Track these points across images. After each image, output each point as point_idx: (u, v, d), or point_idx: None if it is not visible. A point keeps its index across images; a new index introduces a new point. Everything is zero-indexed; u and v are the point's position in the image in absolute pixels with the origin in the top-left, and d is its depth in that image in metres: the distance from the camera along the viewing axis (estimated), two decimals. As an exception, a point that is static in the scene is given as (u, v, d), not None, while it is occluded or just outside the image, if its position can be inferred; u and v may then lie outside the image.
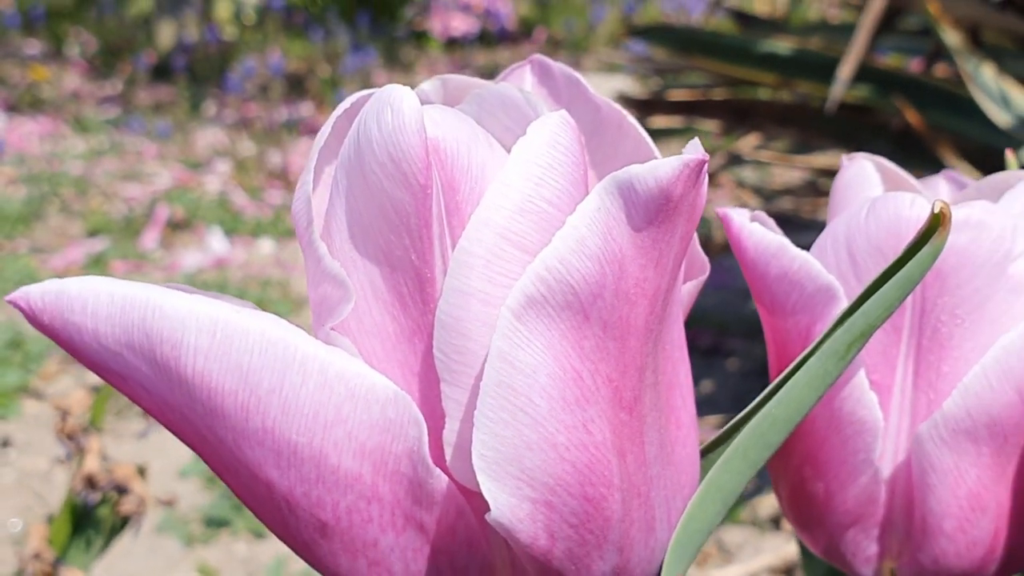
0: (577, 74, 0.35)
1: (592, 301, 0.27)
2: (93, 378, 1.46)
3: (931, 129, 1.29)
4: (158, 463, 1.39)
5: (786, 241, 0.33)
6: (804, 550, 0.43)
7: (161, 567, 1.20)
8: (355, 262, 0.29)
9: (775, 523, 1.25)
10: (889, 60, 1.75)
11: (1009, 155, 0.38)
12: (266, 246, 2.40)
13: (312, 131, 3.42)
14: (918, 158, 1.32)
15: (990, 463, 0.32)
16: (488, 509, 0.28)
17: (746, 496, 1.31)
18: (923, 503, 0.33)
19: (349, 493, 0.29)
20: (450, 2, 4.97)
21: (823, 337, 0.30)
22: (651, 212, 0.27)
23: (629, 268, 0.28)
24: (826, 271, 0.32)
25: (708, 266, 0.33)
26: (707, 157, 0.28)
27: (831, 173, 1.27)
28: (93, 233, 2.41)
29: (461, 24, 4.93)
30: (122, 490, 0.63)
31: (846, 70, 1.15)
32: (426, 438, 0.28)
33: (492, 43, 5.05)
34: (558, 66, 0.35)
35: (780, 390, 0.31)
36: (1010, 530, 0.33)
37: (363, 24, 4.64)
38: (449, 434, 0.28)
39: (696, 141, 0.29)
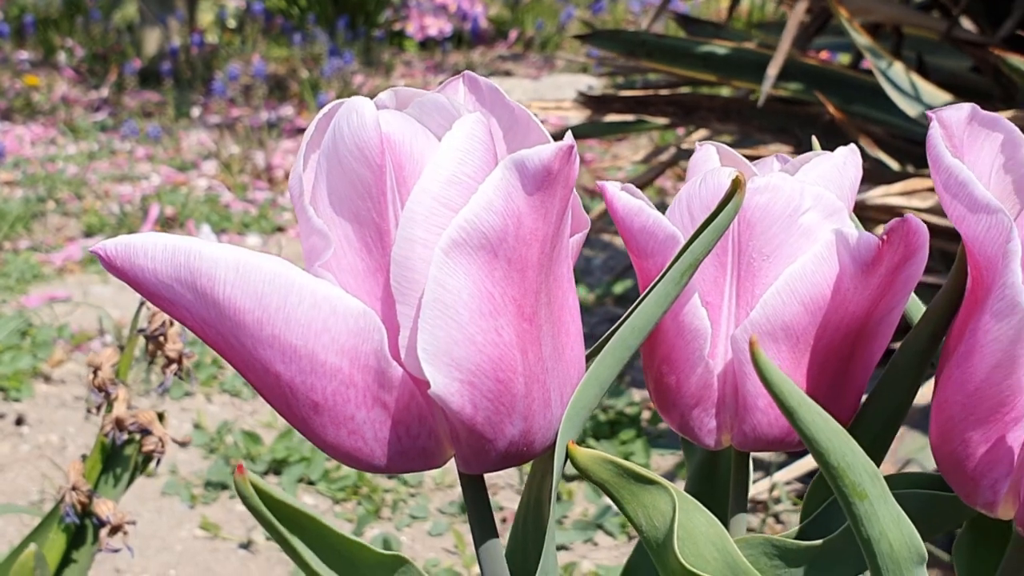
0: (496, 84, 0.47)
1: (499, 243, 0.40)
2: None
3: (852, 119, 1.42)
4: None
5: (644, 203, 0.45)
6: (685, 442, 0.55)
7: (169, 525, 1.32)
8: (334, 220, 0.41)
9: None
10: (822, 56, 1.88)
11: (815, 141, 0.51)
12: (252, 240, 2.52)
13: (293, 132, 3.54)
14: (844, 145, 1.44)
15: (788, 357, 0.45)
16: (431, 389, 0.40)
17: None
18: (743, 387, 0.45)
19: (334, 380, 0.41)
20: (425, 4, 5.09)
21: (666, 270, 0.43)
22: (538, 181, 0.40)
23: (525, 220, 0.40)
24: (672, 224, 0.45)
25: (589, 222, 0.46)
26: (574, 143, 0.40)
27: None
28: (89, 231, 2.53)
29: (436, 25, 5.05)
30: (145, 432, 0.76)
31: (773, 69, 1.28)
32: (386, 341, 0.40)
33: (467, 43, 5.17)
34: (483, 79, 0.47)
35: (638, 308, 0.44)
36: (809, 407, 0.46)
37: (341, 28, 4.75)
38: (403, 338, 0.41)
39: (570, 133, 0.41)
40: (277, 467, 1.45)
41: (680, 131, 1.97)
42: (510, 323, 0.41)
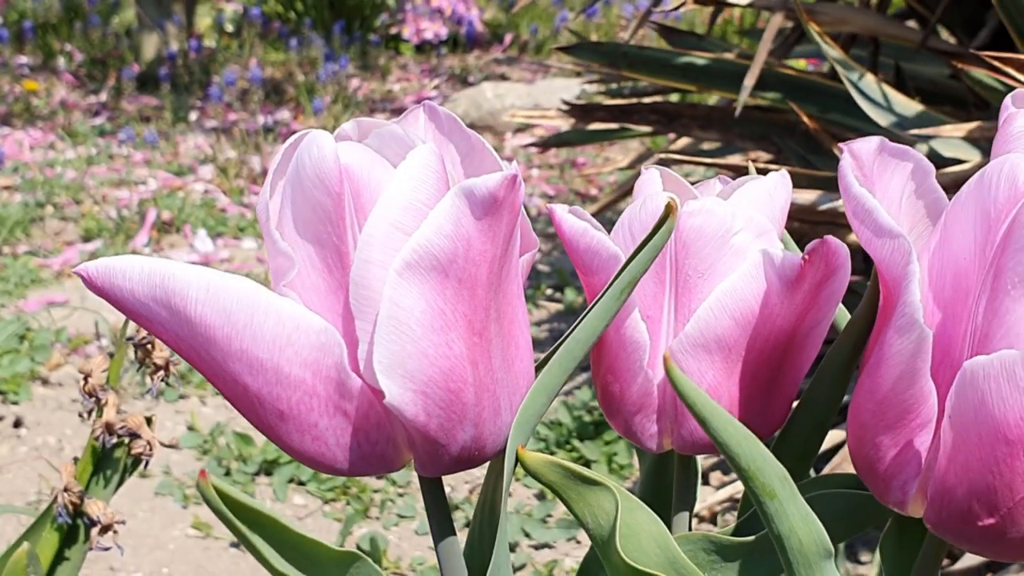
0: (453, 115, 0.51)
1: (449, 264, 0.43)
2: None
3: (828, 127, 1.46)
4: (156, 437, 1.55)
5: (589, 225, 0.49)
6: (638, 449, 0.59)
7: (162, 524, 1.36)
8: (298, 243, 0.45)
9: (704, 477, 1.42)
10: (810, 63, 1.91)
11: (750, 164, 0.55)
12: (248, 244, 2.56)
13: (289, 136, 3.56)
14: (821, 153, 1.48)
15: (721, 367, 0.49)
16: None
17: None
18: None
19: (298, 391, 0.44)
20: (421, 7, 5.12)
21: (608, 286, 0.47)
22: (485, 207, 0.43)
23: (474, 243, 0.43)
24: (614, 244, 0.49)
25: (538, 242, 0.50)
26: (518, 172, 0.44)
27: (740, 170, 1.43)
28: (87, 236, 2.56)
29: (431, 29, 5.09)
30: (134, 435, 0.79)
31: (749, 79, 1.31)
32: (346, 354, 0.44)
33: (462, 47, 5.21)
34: (442, 109, 0.50)
35: (582, 321, 0.47)
36: (740, 413, 0.49)
37: (337, 32, 4.79)
38: (361, 352, 0.44)
39: (515, 163, 0.45)
40: (268, 468, 1.49)
41: (671, 136, 2.01)
42: (461, 337, 0.44)
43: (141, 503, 1.40)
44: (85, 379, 0.79)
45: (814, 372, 0.51)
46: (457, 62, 5.01)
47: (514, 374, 0.48)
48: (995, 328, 0.41)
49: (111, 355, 0.80)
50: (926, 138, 1.33)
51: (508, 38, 5.30)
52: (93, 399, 0.79)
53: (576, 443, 1.54)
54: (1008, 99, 0.45)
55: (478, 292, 0.44)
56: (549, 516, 1.39)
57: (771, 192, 0.50)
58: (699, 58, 1.47)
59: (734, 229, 0.48)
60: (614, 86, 2.12)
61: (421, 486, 0.50)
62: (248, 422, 0.46)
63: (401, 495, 1.46)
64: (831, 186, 1.36)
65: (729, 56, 1.61)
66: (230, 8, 5.50)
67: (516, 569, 1.29)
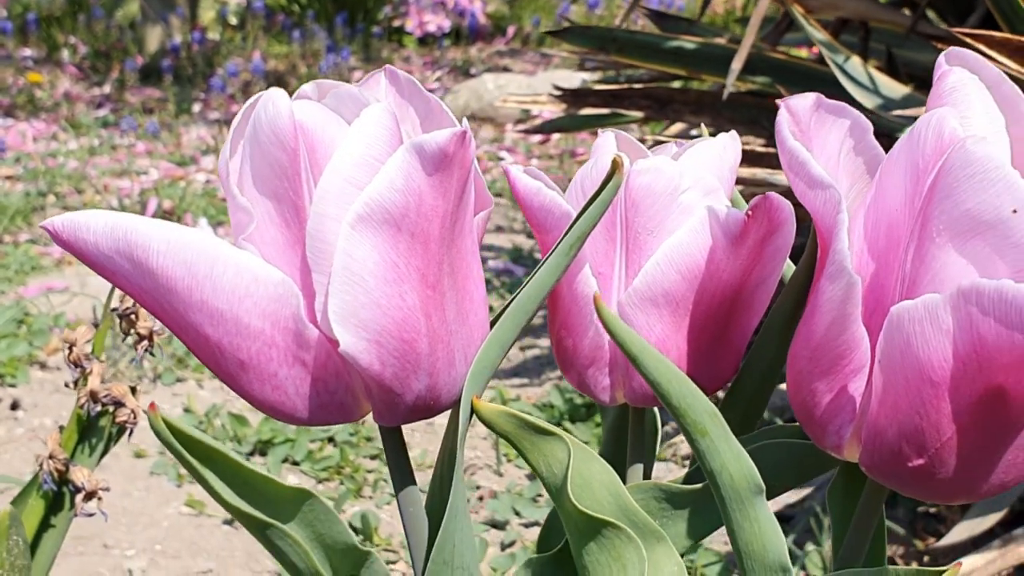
0: (413, 78, 0.53)
1: (402, 218, 0.45)
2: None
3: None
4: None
5: (542, 184, 0.51)
6: (602, 408, 0.60)
7: (156, 502, 1.38)
8: (257, 199, 0.46)
9: (692, 460, 1.43)
10: (803, 54, 1.92)
11: (703, 128, 0.56)
12: (249, 234, 2.57)
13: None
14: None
15: (669, 320, 0.50)
16: (344, 348, 0.45)
17: (669, 436, 1.49)
18: (630, 349, 0.51)
19: (257, 341, 0.46)
20: (424, 0, 5.14)
21: (558, 242, 0.48)
22: (436, 162, 0.44)
23: (426, 198, 0.45)
24: (566, 203, 0.50)
25: (492, 201, 0.51)
26: (467, 129, 0.45)
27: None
28: (88, 225, 2.58)
29: (434, 21, 5.10)
30: (118, 404, 0.81)
31: (737, 63, 1.32)
32: (303, 305, 0.45)
33: (465, 39, 5.22)
34: (402, 73, 0.52)
35: (533, 276, 0.49)
36: (689, 365, 0.51)
37: (339, 24, 4.80)
38: (318, 304, 0.46)
39: (465, 121, 0.47)
40: (263, 448, 1.51)
41: (667, 122, 2.02)
42: (414, 289, 0.46)
43: (136, 482, 1.42)
44: (70, 348, 0.80)
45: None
46: (460, 54, 5.02)
47: (469, 326, 0.49)
48: (922, 275, 0.42)
49: (96, 325, 0.82)
50: (913, 119, 1.34)
51: (511, 30, 5.31)
52: (78, 368, 0.81)
53: (568, 425, 1.56)
54: (942, 57, 0.46)
55: (431, 246, 0.46)
56: (539, 495, 1.40)
57: (720, 153, 0.52)
58: (689, 42, 1.49)
59: (682, 187, 0.50)
60: (612, 73, 2.13)
61: (382, 436, 0.51)
62: (212, 372, 0.48)
63: (394, 475, 1.47)
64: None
65: (720, 41, 1.62)
66: (234, 1, 5.52)
67: (506, 546, 1.30)
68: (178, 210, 2.63)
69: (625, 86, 1.61)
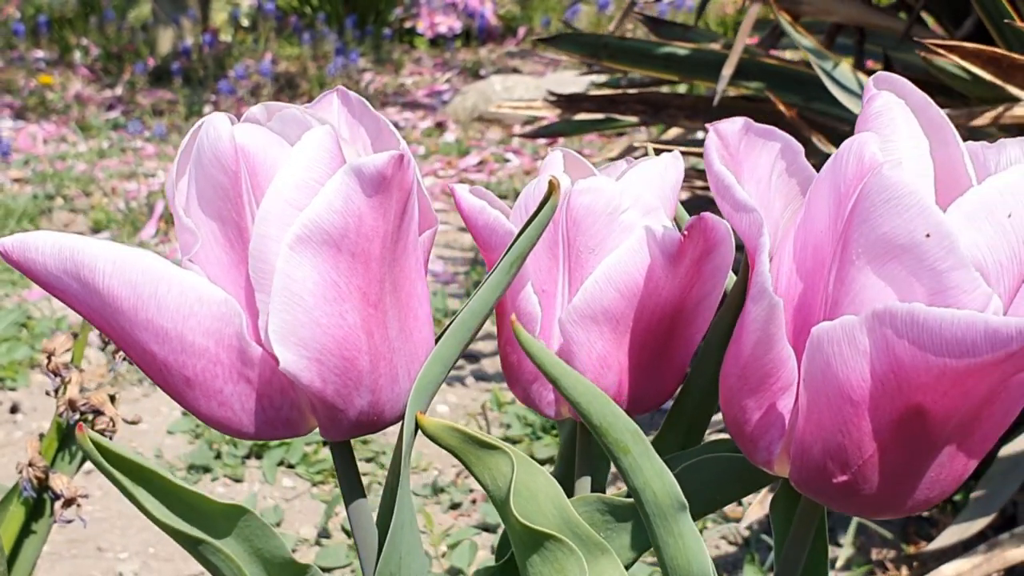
0: (364, 100, 0.54)
1: (341, 239, 0.46)
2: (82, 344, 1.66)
3: (813, 116, 1.48)
4: (151, 422, 1.59)
5: (486, 204, 0.52)
6: (559, 421, 0.61)
7: (148, 506, 1.40)
8: (202, 219, 0.47)
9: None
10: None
11: (649, 147, 0.57)
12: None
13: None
14: (803, 142, 1.50)
15: (610, 338, 0.51)
16: (288, 366, 0.46)
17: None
18: (572, 363, 0.51)
19: (202, 359, 0.47)
20: (436, 1, 5.15)
21: (499, 261, 0.49)
22: (375, 184, 0.45)
23: (365, 219, 0.46)
24: (508, 222, 0.51)
25: (437, 220, 0.52)
26: (405, 152, 0.46)
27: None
28: (96, 227, 2.60)
29: (446, 23, 5.11)
30: (97, 412, 0.82)
31: (727, 69, 1.33)
32: (246, 323, 0.46)
33: (476, 41, 5.23)
34: (353, 94, 0.53)
35: (475, 294, 0.50)
36: (630, 382, 0.52)
37: (349, 26, 4.82)
38: (261, 322, 0.47)
39: (403, 143, 0.48)
40: (258, 451, 1.52)
41: (665, 126, 2.03)
42: (355, 308, 0.47)
43: (132, 485, 1.44)
44: (48, 358, 0.82)
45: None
46: (470, 56, 5.03)
47: (413, 343, 0.50)
48: (843, 296, 0.43)
49: (75, 335, 0.83)
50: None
51: (522, 31, 5.32)
52: (57, 377, 0.82)
53: (549, 438, 1.57)
54: (870, 81, 0.47)
55: (372, 266, 0.47)
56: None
57: (662, 172, 0.53)
58: (681, 48, 1.50)
59: (622, 207, 0.51)
60: (617, 76, 2.14)
61: (331, 451, 0.52)
62: (161, 389, 0.49)
63: (388, 478, 1.49)
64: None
65: (715, 46, 1.63)
66: (245, 3, 5.54)
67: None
68: (185, 213, 2.64)
69: (620, 91, 1.62)
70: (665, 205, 0.52)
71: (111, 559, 1.29)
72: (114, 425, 0.83)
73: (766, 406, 0.46)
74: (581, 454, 0.57)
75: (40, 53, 4.98)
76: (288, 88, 4.18)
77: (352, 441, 1.52)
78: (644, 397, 0.53)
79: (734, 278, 0.55)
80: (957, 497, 1.45)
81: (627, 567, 0.54)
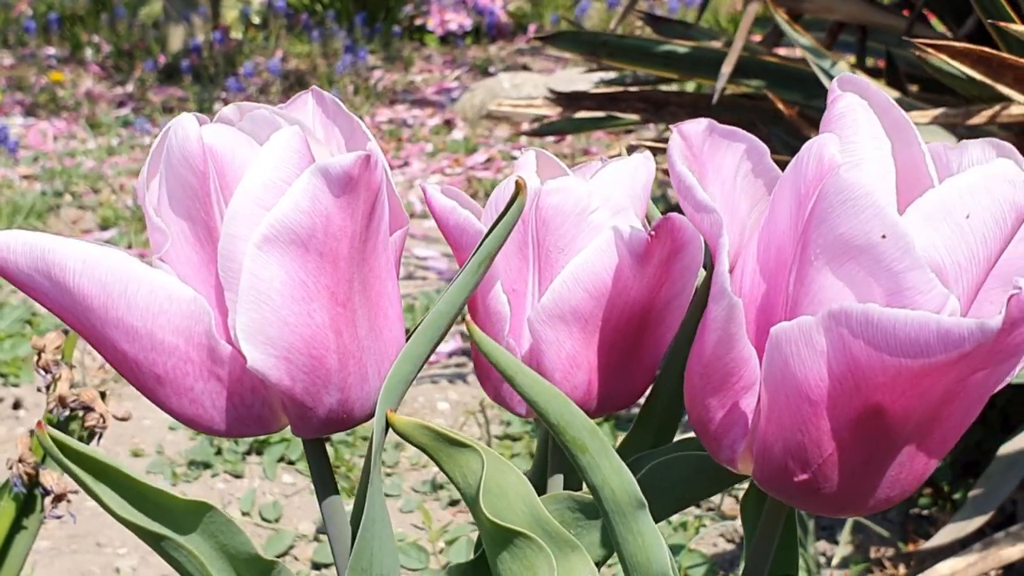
0: (338, 100, 0.54)
1: (309, 239, 0.46)
2: (84, 343, 1.67)
3: (812, 115, 1.48)
4: (152, 418, 1.60)
5: (457, 205, 0.52)
6: (536, 420, 0.62)
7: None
8: (173, 219, 0.48)
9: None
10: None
11: (621, 146, 0.58)
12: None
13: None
14: (803, 139, 1.50)
15: (579, 337, 0.51)
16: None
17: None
18: (542, 363, 0.52)
19: (173, 357, 0.48)
20: (446, -1, 5.17)
21: (468, 260, 0.50)
22: (341, 184, 0.46)
23: (333, 219, 0.46)
24: (478, 222, 0.52)
25: (408, 220, 0.53)
26: (371, 152, 0.47)
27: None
28: (104, 224, 2.61)
29: (456, 20, 5.12)
30: (87, 408, 0.83)
31: (727, 67, 1.33)
32: (215, 322, 0.47)
33: (486, 38, 5.24)
34: (328, 95, 0.54)
35: (444, 295, 0.50)
36: (600, 381, 0.53)
37: (359, 24, 4.83)
38: (231, 320, 0.47)
39: (371, 144, 0.48)
40: (259, 448, 1.53)
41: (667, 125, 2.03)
42: (324, 307, 0.47)
43: (132, 481, 1.45)
44: (39, 354, 0.82)
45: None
46: (480, 53, 5.03)
47: (383, 342, 0.51)
48: (802, 296, 0.44)
49: (66, 332, 0.84)
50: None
51: (532, 28, 5.32)
52: (48, 374, 0.83)
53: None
54: (834, 82, 0.47)
55: (340, 265, 0.47)
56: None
57: (632, 172, 0.53)
58: (680, 46, 1.50)
59: (591, 207, 0.51)
60: (625, 73, 2.14)
61: (304, 447, 0.53)
62: (133, 386, 0.49)
63: (389, 475, 1.49)
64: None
65: (716, 44, 1.63)
66: (256, 0, 5.56)
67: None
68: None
69: (620, 89, 1.62)
70: (635, 205, 0.53)
71: (110, 554, 1.29)
72: (104, 421, 0.84)
73: (729, 405, 0.46)
74: (553, 452, 0.57)
75: (51, 50, 5.00)
76: (298, 85, 4.19)
77: (353, 439, 1.52)
78: (614, 396, 0.53)
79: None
80: (956, 495, 1.45)
81: (598, 564, 0.54)
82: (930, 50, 0.92)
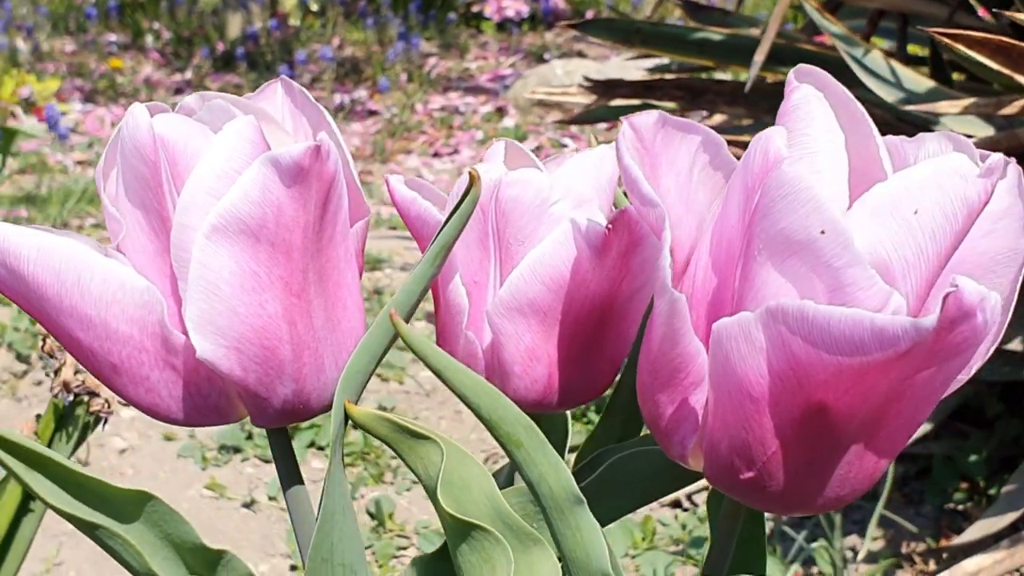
0: (305, 91, 0.54)
1: (259, 229, 0.46)
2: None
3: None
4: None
5: (418, 195, 0.52)
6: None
7: (180, 485, 1.42)
8: (128, 209, 0.48)
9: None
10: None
11: (591, 137, 0.57)
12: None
13: (364, 114, 3.64)
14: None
15: (538, 330, 0.51)
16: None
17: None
18: (501, 356, 0.51)
19: (127, 346, 0.48)
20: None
21: (426, 251, 0.49)
22: (292, 175, 0.45)
23: (285, 209, 0.46)
24: (439, 213, 0.51)
25: (369, 210, 0.52)
26: (322, 143, 0.46)
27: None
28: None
29: (513, 6, 5.11)
30: (92, 394, 0.84)
31: (759, 55, 1.32)
32: (166, 311, 0.47)
33: (543, 24, 5.21)
34: (296, 85, 0.53)
35: (402, 286, 0.50)
36: (561, 374, 0.52)
37: (413, 11, 4.83)
38: (184, 310, 0.48)
39: (323, 135, 0.48)
40: (290, 433, 1.54)
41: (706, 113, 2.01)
42: (276, 298, 0.47)
43: (164, 464, 1.46)
44: (44, 340, 0.83)
45: (640, 336, 0.54)
46: (537, 40, 5.02)
47: (340, 333, 0.51)
48: (746, 291, 0.43)
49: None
50: (936, 115, 1.33)
51: (590, 14, 5.29)
52: (52, 359, 0.84)
53: (592, 415, 1.56)
54: (792, 73, 0.46)
55: (294, 256, 0.47)
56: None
57: (597, 163, 0.53)
58: (715, 33, 1.48)
59: (552, 199, 0.51)
60: (674, 62, 2.13)
61: (268, 437, 0.53)
62: (91, 374, 0.50)
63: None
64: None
65: (753, 31, 1.62)
66: (315, -13, 5.59)
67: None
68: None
69: (657, 77, 1.61)
70: (600, 197, 0.52)
71: (137, 537, 1.31)
72: (109, 406, 0.85)
73: (678, 401, 0.46)
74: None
75: (112, 37, 5.06)
76: (353, 73, 4.20)
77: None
78: (577, 389, 0.53)
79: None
80: (992, 490, 1.43)
81: (560, 558, 0.54)
82: (946, 39, 0.90)
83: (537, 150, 3.25)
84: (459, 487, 0.51)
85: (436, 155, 3.25)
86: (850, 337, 0.38)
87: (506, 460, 0.58)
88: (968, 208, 0.42)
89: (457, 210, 0.48)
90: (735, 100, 1.61)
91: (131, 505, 0.46)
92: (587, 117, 1.73)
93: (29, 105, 3.44)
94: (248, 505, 1.37)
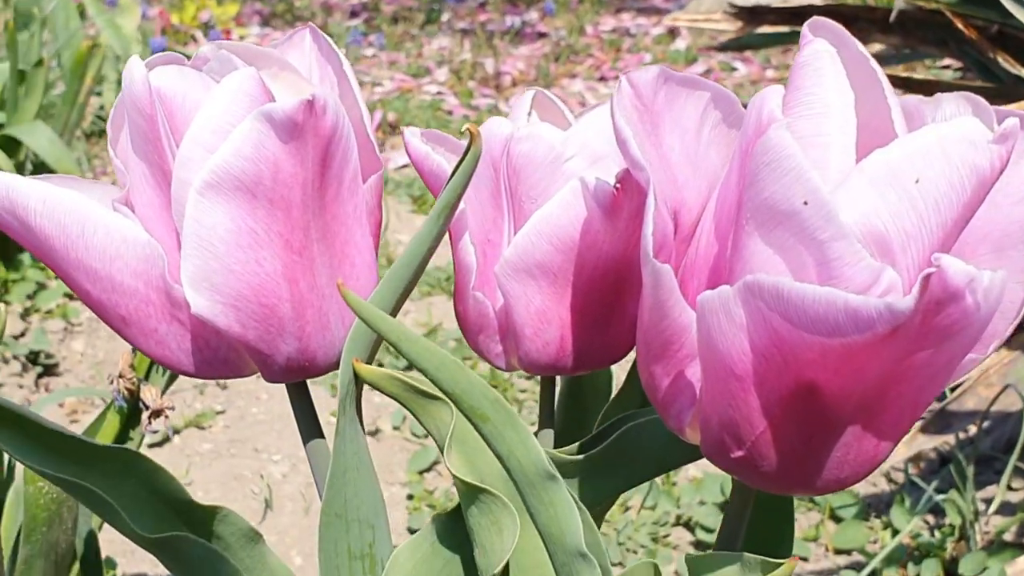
0: (329, 39, 0.53)
1: (255, 186, 0.45)
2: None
3: (1015, 34, 1.37)
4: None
5: (431, 150, 0.50)
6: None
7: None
8: (134, 162, 0.48)
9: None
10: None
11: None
12: (468, 146, 2.61)
13: (534, 37, 3.60)
14: (988, 62, 1.40)
15: (549, 292, 0.49)
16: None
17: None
18: (511, 317, 0.50)
19: (134, 299, 0.48)
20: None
21: (433, 208, 0.48)
22: (287, 130, 0.44)
23: (283, 165, 0.45)
24: (452, 166, 0.50)
25: (382, 164, 0.51)
26: (315, 97, 0.45)
27: (902, 81, 1.37)
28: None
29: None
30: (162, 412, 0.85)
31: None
32: (167, 266, 0.47)
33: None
34: (323, 34, 0.52)
35: (409, 245, 0.49)
36: (574, 337, 0.50)
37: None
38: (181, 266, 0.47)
39: (316, 91, 0.47)
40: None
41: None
42: (276, 255, 0.46)
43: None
44: (117, 379, 0.84)
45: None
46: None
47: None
48: (736, 261, 0.40)
49: (134, 351, 0.86)
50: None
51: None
52: (127, 393, 0.85)
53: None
54: (806, 27, 0.43)
55: (293, 213, 0.46)
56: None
57: (619, 117, 0.50)
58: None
59: (565, 155, 0.48)
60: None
61: (287, 390, 0.53)
62: (105, 324, 0.50)
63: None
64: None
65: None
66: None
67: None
68: (402, 123, 2.68)
69: (806, 3, 1.54)
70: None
71: (264, 460, 1.34)
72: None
73: (674, 374, 0.43)
74: (543, 407, 0.55)
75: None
76: (525, -2, 4.18)
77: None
78: (594, 352, 0.51)
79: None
80: None
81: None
82: None
83: (706, 73, 3.17)
84: (474, 448, 0.50)
85: (602, 79, 3.19)
86: (824, 317, 0.36)
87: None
88: (978, 176, 0.38)
89: (458, 168, 0.46)
90: (888, 28, 1.53)
91: (114, 462, 0.46)
92: (735, 44, 1.67)
93: (209, 28, 3.51)
94: (373, 434, 1.39)
